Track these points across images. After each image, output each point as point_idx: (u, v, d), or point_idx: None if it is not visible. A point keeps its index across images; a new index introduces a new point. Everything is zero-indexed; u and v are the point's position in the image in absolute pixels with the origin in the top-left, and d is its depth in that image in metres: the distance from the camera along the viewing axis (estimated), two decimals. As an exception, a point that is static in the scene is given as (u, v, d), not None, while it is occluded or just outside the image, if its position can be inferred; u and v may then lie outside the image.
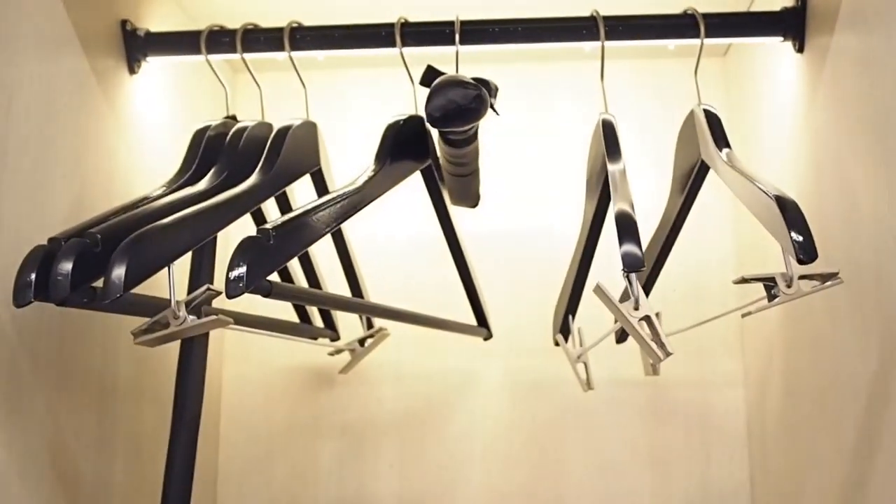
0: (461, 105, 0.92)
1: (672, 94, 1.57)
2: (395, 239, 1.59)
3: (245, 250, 0.81)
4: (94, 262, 0.84)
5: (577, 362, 1.22)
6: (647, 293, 1.22)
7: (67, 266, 0.82)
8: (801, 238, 0.76)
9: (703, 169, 1.07)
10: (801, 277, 0.82)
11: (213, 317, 0.87)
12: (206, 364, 1.06)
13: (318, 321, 1.36)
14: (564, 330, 1.27)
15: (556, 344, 1.28)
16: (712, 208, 1.47)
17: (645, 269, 0.78)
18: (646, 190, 1.51)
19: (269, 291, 0.85)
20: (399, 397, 1.55)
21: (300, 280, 1.28)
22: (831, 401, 1.06)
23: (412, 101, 1.15)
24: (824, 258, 1.04)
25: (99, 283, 0.83)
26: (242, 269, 0.81)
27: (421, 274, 1.57)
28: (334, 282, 1.29)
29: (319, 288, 1.28)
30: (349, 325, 1.37)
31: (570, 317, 1.27)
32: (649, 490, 1.49)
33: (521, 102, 1.61)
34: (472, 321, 1.34)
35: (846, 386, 1.01)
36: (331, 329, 1.38)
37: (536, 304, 1.51)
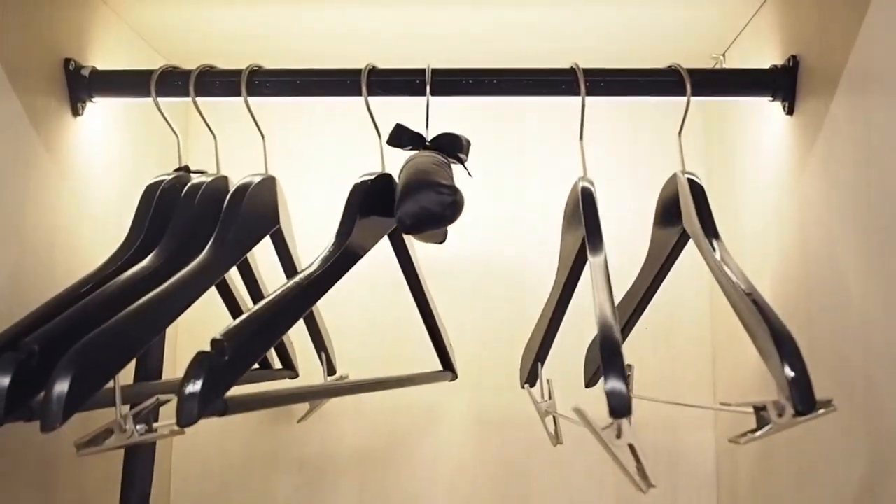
0: (434, 212, 0.86)
1: (649, 135, 1.52)
2: (354, 272, 1.52)
3: (199, 368, 0.75)
4: (33, 377, 0.77)
5: (545, 416, 1.18)
6: (626, 337, 1.17)
7: (3, 383, 0.76)
8: (798, 382, 0.71)
9: (685, 238, 1.02)
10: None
11: (165, 430, 0.81)
12: (155, 457, 1.01)
13: (276, 363, 1.30)
14: (532, 378, 1.22)
15: (524, 388, 1.23)
16: (689, 252, 1.42)
17: (631, 414, 0.73)
18: (623, 230, 1.48)
19: (223, 411, 0.79)
20: (360, 432, 1.50)
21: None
22: (809, 484, 1.03)
23: (378, 146, 1.08)
24: (808, 348, 0.99)
25: (39, 397, 0.77)
26: (195, 388, 0.75)
27: (381, 308, 1.51)
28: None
29: (282, 341, 1.22)
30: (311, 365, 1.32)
31: (540, 364, 1.22)
32: (615, 532, 1.46)
33: (495, 133, 1.54)
34: (436, 359, 1.29)
35: (826, 476, 0.97)
36: (289, 369, 1.32)
37: (504, 340, 1.47)
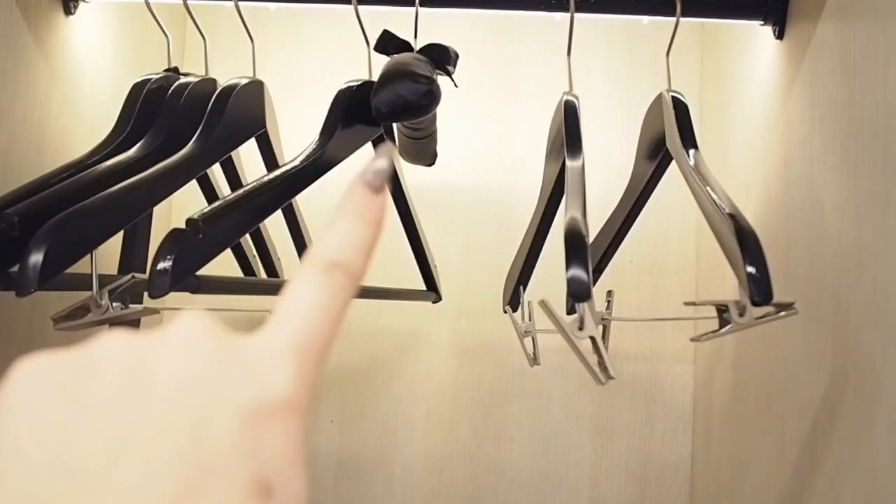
0: (410, 101, 0.86)
1: (645, 54, 1.51)
2: (342, 191, 1.53)
3: (172, 244, 0.77)
4: (11, 248, 0.78)
5: (524, 337, 1.19)
6: (604, 266, 1.18)
7: (-21, 251, 0.77)
8: (757, 276, 0.73)
9: (669, 157, 1.03)
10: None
11: (138, 307, 0.83)
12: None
13: (262, 274, 1.32)
14: (514, 301, 1.23)
15: (505, 313, 1.25)
16: (675, 180, 1.43)
17: (591, 298, 0.75)
18: (612, 151, 1.49)
19: (196, 288, 0.80)
20: (343, 353, 1.51)
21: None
22: (777, 406, 1.05)
23: (367, 64, 1.09)
24: (785, 266, 1.01)
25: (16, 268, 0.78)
26: (167, 264, 0.76)
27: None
28: (280, 232, 1.23)
29: (266, 247, 1.23)
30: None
31: (522, 288, 1.23)
32: (590, 460, 1.48)
33: (487, 55, 1.54)
34: (421, 283, 1.30)
35: (793, 396, 0.99)
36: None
37: (490, 267, 1.48)
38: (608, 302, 1.18)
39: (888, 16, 0.79)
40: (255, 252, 1.24)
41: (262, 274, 1.30)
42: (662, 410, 1.48)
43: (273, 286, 1.08)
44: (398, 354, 1.51)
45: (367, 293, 1.20)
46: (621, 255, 1.44)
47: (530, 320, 1.20)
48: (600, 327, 0.81)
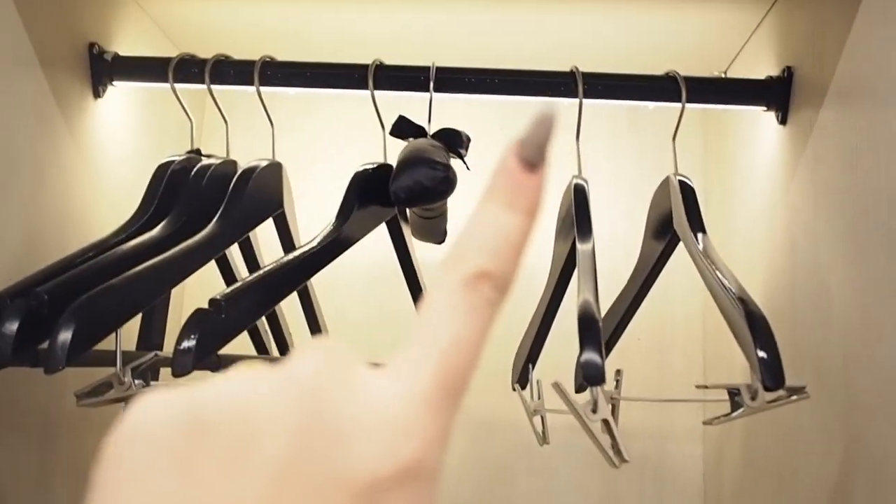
0: (427, 187, 0.89)
1: (648, 138, 1.55)
2: (353, 264, 1.55)
3: (196, 323, 0.79)
4: (41, 324, 0.81)
5: (533, 415, 1.20)
6: (613, 345, 1.20)
7: (11, 329, 0.80)
8: (768, 360, 0.75)
9: (677, 238, 1.06)
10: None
11: (160, 384, 0.85)
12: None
13: (274, 352, 1.34)
14: (523, 379, 1.25)
15: (514, 390, 1.26)
16: (682, 259, 1.46)
17: (605, 382, 0.76)
18: (616, 233, 1.52)
19: (217, 367, 0.82)
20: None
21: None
22: (789, 490, 1.05)
23: (381, 143, 1.12)
24: (793, 350, 1.03)
25: (45, 345, 0.80)
26: (191, 343, 0.78)
27: (379, 304, 1.54)
28: (292, 309, 1.25)
29: (278, 323, 1.25)
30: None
31: (531, 366, 1.25)
32: (599, 539, 1.48)
33: (494, 136, 1.57)
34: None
35: (806, 480, 1.00)
36: (288, 360, 1.35)
37: (498, 344, 1.47)
38: (617, 381, 1.19)
39: (889, 104, 0.82)
40: (267, 328, 1.26)
41: (275, 351, 1.32)
42: (672, 490, 1.48)
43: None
44: (407, 430, 1.52)
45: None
46: (629, 332, 1.46)
47: (539, 399, 1.21)
48: (610, 407, 0.82)
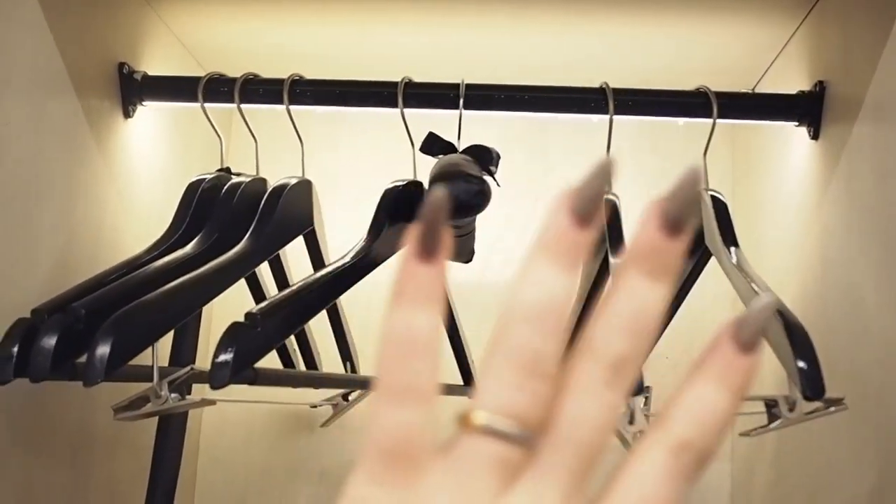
0: (463, 200, 0.90)
1: (674, 153, 1.55)
2: (381, 284, 1.55)
3: (232, 337, 0.79)
4: (77, 339, 0.81)
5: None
6: (643, 361, 1.19)
7: (50, 343, 0.80)
8: (808, 370, 0.74)
9: (707, 255, 1.05)
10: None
11: (197, 398, 0.85)
12: (186, 424, 1.04)
13: (301, 367, 1.34)
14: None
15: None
16: (710, 275, 1.45)
17: (641, 391, 0.76)
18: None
19: (253, 380, 0.82)
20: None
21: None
22: (820, 501, 1.04)
23: (411, 161, 1.12)
24: (827, 367, 1.02)
25: (82, 359, 0.81)
26: (228, 356, 0.78)
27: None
28: (321, 328, 1.25)
29: (307, 340, 1.25)
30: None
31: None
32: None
33: (518, 151, 1.59)
34: (460, 379, 1.31)
35: (837, 495, 0.99)
36: (315, 378, 1.35)
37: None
38: (646, 398, 1.19)
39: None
40: (295, 346, 1.27)
41: (301, 366, 1.32)
42: (700, 509, 1.46)
43: (327, 380, 1.09)
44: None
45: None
46: (656, 350, 1.45)
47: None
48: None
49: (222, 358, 0.77)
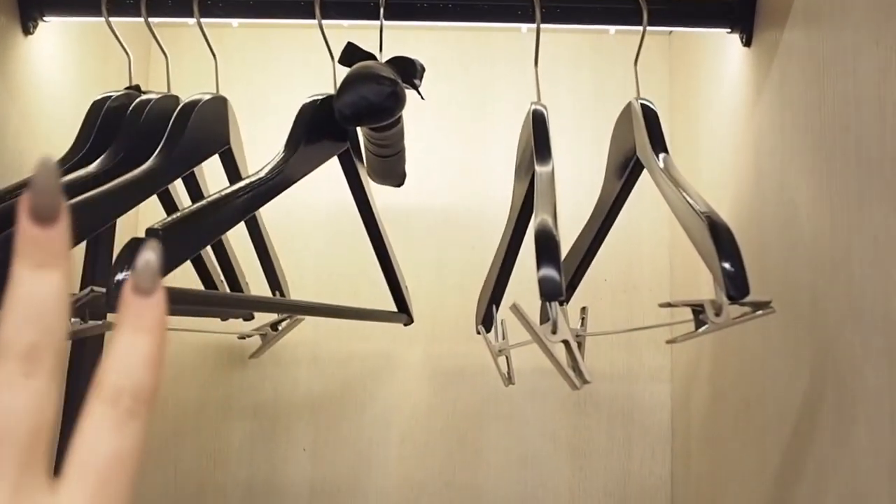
0: (373, 102, 0.85)
1: (613, 69, 1.51)
2: (311, 215, 1.51)
3: (130, 254, 0.74)
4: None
5: (498, 356, 1.17)
6: (577, 282, 1.17)
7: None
8: (732, 271, 0.71)
9: (640, 164, 1.02)
10: (732, 303, 0.77)
11: (98, 322, 0.80)
12: (102, 355, 0.99)
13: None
14: (487, 320, 1.21)
15: (478, 333, 1.23)
16: (648, 196, 1.43)
17: (564, 297, 0.73)
18: (582, 168, 1.48)
19: (156, 299, 0.77)
20: (315, 379, 1.48)
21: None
22: (756, 414, 1.03)
23: (332, 78, 1.07)
24: (760, 270, 1.00)
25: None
26: (126, 275, 0.73)
27: (339, 253, 1.49)
28: (249, 261, 1.21)
29: (233, 270, 1.20)
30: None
31: (494, 307, 1.21)
32: (568, 483, 1.45)
33: (455, 72, 1.54)
34: (393, 305, 1.28)
35: (772, 402, 0.97)
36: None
37: (462, 288, 1.46)
38: (582, 318, 1.16)
39: (854, 15, 0.79)
40: (222, 277, 1.22)
41: (226, 287, 1.27)
42: (640, 430, 1.45)
43: (236, 300, 1.05)
44: (370, 379, 1.48)
45: (337, 312, 1.18)
46: (595, 273, 1.43)
47: (504, 339, 1.18)
48: (569, 327, 0.79)
49: (119, 276, 0.72)
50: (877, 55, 0.74)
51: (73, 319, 0.79)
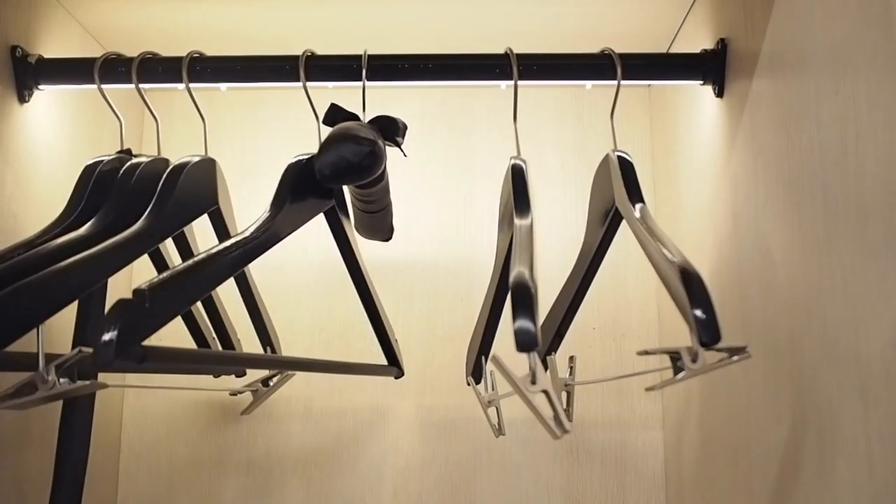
0: (352, 162, 0.87)
1: (595, 121, 1.55)
2: (302, 272, 1.53)
3: (118, 314, 0.76)
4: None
5: (488, 407, 1.18)
6: (564, 331, 1.18)
7: (-78, 329, 0.76)
8: (704, 318, 0.73)
9: (619, 214, 1.04)
10: (706, 349, 0.78)
11: (85, 382, 0.82)
12: (93, 413, 1.01)
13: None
14: (477, 372, 1.22)
15: (469, 385, 1.24)
16: (634, 245, 1.45)
17: (539, 347, 0.74)
18: (568, 219, 1.51)
19: (142, 358, 0.79)
20: (308, 434, 1.49)
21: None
22: (744, 459, 1.04)
23: (317, 138, 1.10)
24: (741, 317, 1.02)
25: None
26: (113, 335, 0.75)
27: (330, 309, 1.51)
28: (241, 319, 1.23)
29: (224, 327, 1.22)
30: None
31: (483, 358, 1.23)
32: (563, 532, 1.45)
33: (441, 128, 1.57)
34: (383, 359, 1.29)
35: (758, 446, 0.98)
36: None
37: (452, 340, 1.48)
38: (570, 367, 1.18)
39: (815, 65, 0.82)
40: (214, 335, 1.24)
41: (218, 346, 1.29)
42: (634, 478, 1.46)
43: (227, 357, 1.06)
44: (363, 433, 1.49)
45: (328, 367, 1.19)
46: (584, 322, 1.45)
47: (493, 390, 1.19)
48: (549, 377, 0.80)
49: (107, 337, 0.74)
50: (837, 103, 0.76)
51: (61, 380, 0.80)
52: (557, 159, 1.55)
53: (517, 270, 0.81)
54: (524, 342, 0.72)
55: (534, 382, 0.78)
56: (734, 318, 1.03)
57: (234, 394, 1.32)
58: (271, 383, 1.29)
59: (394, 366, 1.30)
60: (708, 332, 0.73)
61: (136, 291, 0.78)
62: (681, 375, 0.78)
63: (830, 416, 0.78)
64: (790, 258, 0.87)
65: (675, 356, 0.80)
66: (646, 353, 0.83)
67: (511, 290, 0.76)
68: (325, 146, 0.88)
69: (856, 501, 0.73)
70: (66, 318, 0.95)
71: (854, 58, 0.73)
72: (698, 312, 0.73)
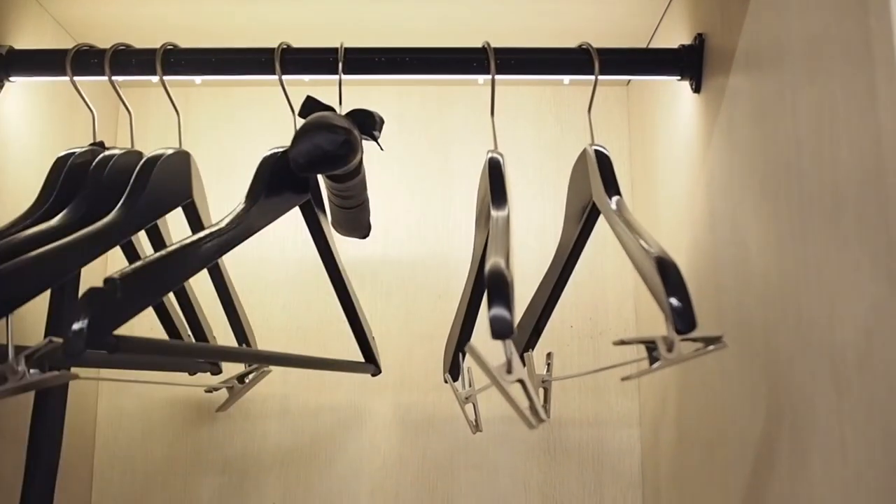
0: (327, 150, 0.87)
1: (574, 117, 1.55)
2: (278, 269, 1.52)
3: (87, 304, 0.75)
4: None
5: (465, 404, 1.18)
6: (542, 328, 1.18)
7: None
8: (679, 306, 0.73)
9: (596, 209, 1.04)
10: (684, 339, 0.78)
11: (55, 372, 0.80)
12: (66, 407, 0.99)
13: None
14: (454, 369, 1.22)
15: (446, 382, 1.23)
16: (612, 242, 1.45)
17: (514, 335, 0.74)
18: (546, 215, 1.51)
19: (114, 348, 0.78)
20: (284, 432, 1.48)
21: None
22: (719, 453, 1.04)
23: (293, 132, 1.09)
24: (717, 310, 1.02)
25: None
26: (83, 324, 0.74)
27: (307, 306, 1.51)
28: (217, 316, 1.22)
29: (199, 322, 1.21)
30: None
31: (460, 355, 1.22)
32: (540, 530, 1.45)
33: (419, 125, 1.57)
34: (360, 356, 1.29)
35: (734, 439, 0.98)
36: (211, 363, 1.31)
37: (430, 337, 1.47)
38: (548, 364, 1.17)
39: (790, 57, 0.82)
40: (189, 332, 1.22)
41: (191, 338, 1.28)
42: (611, 476, 1.46)
43: (197, 349, 1.05)
44: (340, 431, 1.48)
45: (305, 363, 1.18)
46: (561, 321, 1.45)
47: (470, 386, 1.19)
48: (526, 368, 0.80)
49: (77, 326, 0.73)
50: (812, 95, 0.76)
51: (31, 371, 0.79)
52: (537, 155, 1.55)
53: (493, 260, 0.80)
54: (499, 330, 0.72)
55: (509, 372, 0.77)
56: (710, 310, 1.03)
57: (209, 391, 1.31)
58: (247, 380, 1.28)
59: (371, 363, 1.29)
60: (683, 320, 0.72)
61: (108, 280, 0.77)
62: (656, 365, 0.78)
63: (804, 406, 0.78)
64: (765, 250, 0.87)
65: (650, 346, 0.79)
66: (622, 342, 0.83)
67: (486, 279, 0.76)
68: (300, 135, 0.88)
69: (830, 489, 0.73)
70: (38, 311, 0.94)
71: (829, 50, 0.73)
72: (673, 300, 0.73)
